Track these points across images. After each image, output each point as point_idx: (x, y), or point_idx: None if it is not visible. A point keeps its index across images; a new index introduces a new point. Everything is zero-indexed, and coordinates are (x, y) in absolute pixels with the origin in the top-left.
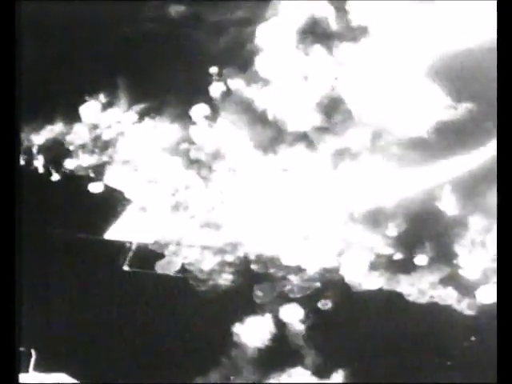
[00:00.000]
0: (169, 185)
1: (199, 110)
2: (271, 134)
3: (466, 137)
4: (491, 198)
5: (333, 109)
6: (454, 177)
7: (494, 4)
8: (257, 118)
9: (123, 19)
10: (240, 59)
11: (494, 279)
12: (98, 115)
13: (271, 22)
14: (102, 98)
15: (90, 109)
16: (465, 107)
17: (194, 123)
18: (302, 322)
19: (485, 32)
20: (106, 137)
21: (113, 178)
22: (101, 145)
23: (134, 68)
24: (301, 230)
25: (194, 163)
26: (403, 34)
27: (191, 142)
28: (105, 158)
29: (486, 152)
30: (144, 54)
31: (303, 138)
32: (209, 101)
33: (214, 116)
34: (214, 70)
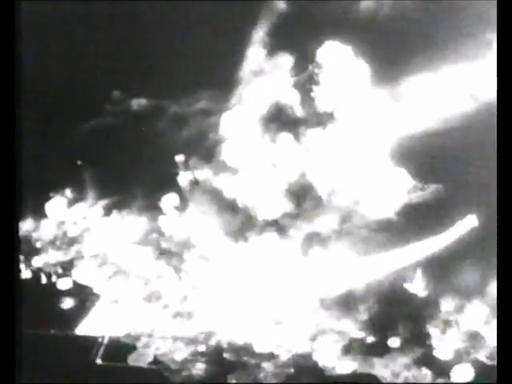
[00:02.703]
0: (140, 276)
1: (168, 201)
2: (241, 221)
3: (435, 218)
4: (461, 278)
5: (302, 195)
6: (423, 258)
7: (456, 82)
8: (226, 206)
9: (86, 114)
10: (205, 149)
11: (468, 358)
12: (64, 211)
13: (235, 111)
14: (69, 193)
15: (57, 205)
16: (432, 188)
17: (163, 214)
18: None
19: (449, 112)
20: (73, 233)
21: (81, 274)
22: (68, 241)
23: (99, 162)
24: (273, 317)
25: (164, 253)
26: (368, 118)
27: (161, 233)
28: (72, 254)
29: (455, 232)
30: (109, 147)
31: (273, 224)
32: (177, 191)
33: (183, 206)
34: (180, 158)
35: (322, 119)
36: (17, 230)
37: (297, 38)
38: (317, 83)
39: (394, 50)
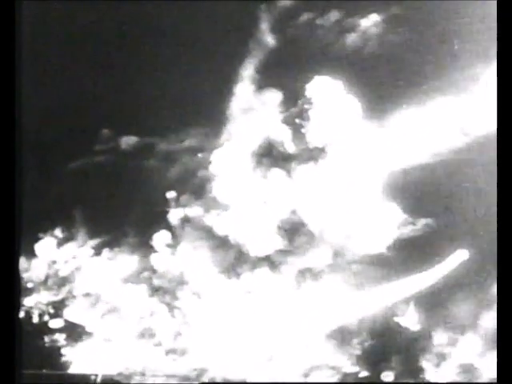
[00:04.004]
0: (133, 314)
1: (160, 238)
2: (234, 258)
3: (426, 252)
4: (454, 311)
5: (294, 231)
6: (415, 292)
7: (445, 116)
8: (218, 242)
9: (75, 153)
10: (196, 186)
11: None
12: (55, 251)
13: (225, 148)
14: (59, 233)
15: (47, 245)
16: (423, 222)
17: (155, 251)
18: None
19: (439, 147)
20: (64, 272)
21: (74, 313)
22: (59, 280)
23: (88, 201)
24: (266, 353)
25: (157, 290)
26: (360, 153)
27: (153, 270)
28: (64, 293)
29: (446, 266)
30: (98, 186)
31: (266, 260)
32: (169, 228)
33: (175, 243)
34: (171, 195)
35: (313, 154)
36: (17, 271)
37: (285, 73)
38: (307, 118)
39: (381, 84)
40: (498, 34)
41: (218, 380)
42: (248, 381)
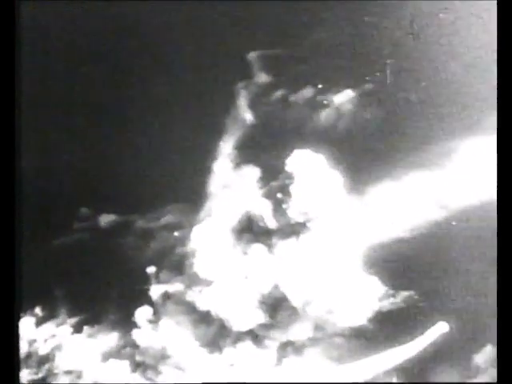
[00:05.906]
0: None
1: (141, 314)
2: (216, 332)
3: (407, 324)
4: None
5: (276, 306)
6: (397, 364)
7: (422, 190)
8: (200, 318)
9: (56, 230)
10: (176, 262)
11: None
12: (34, 330)
13: (205, 224)
14: (39, 311)
15: (27, 324)
16: (403, 295)
17: (137, 327)
18: None
19: (417, 220)
20: (44, 350)
21: None
22: (39, 359)
23: (68, 279)
24: None
25: (139, 366)
26: (340, 228)
27: (135, 346)
28: (44, 372)
29: (427, 338)
30: (78, 265)
31: (248, 334)
32: (150, 304)
33: (156, 318)
34: (151, 270)
35: (294, 229)
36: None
37: (263, 149)
38: (288, 193)
39: (357, 159)
40: (498, 36)
41: None
42: None
